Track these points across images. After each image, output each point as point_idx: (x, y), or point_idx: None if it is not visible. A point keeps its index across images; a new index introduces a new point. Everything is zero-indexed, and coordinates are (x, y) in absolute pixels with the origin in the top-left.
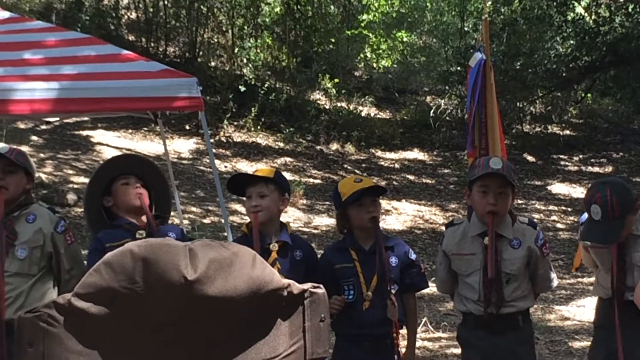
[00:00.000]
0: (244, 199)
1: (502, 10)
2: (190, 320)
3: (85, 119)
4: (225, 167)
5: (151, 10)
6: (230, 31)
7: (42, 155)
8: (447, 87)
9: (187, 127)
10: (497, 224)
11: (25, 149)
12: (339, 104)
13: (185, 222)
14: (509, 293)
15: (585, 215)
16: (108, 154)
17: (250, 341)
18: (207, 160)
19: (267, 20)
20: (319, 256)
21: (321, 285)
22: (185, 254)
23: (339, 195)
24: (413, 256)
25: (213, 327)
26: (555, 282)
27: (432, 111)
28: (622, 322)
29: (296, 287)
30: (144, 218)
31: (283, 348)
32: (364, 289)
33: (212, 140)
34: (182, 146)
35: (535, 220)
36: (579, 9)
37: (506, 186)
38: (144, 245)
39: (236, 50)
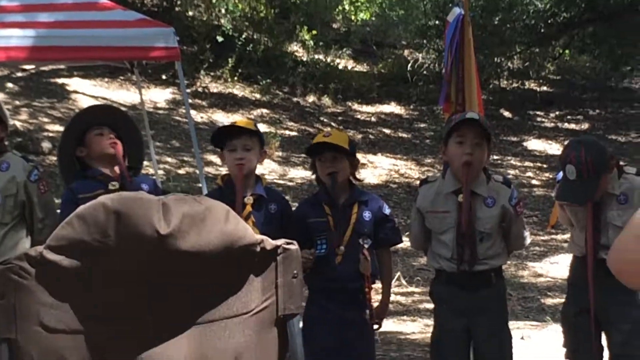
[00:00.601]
0: (218, 150)
1: None
2: (162, 274)
3: (62, 67)
4: (201, 117)
5: None
6: None
7: (17, 102)
8: (425, 41)
9: (164, 77)
10: (472, 178)
11: (0, 96)
12: (316, 56)
13: (160, 172)
14: (483, 251)
15: (562, 174)
16: (84, 102)
17: (222, 296)
18: (183, 111)
19: None
20: (293, 209)
21: (294, 242)
22: (159, 208)
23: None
24: (387, 211)
25: (185, 282)
26: (528, 241)
27: (409, 65)
28: (595, 280)
29: (269, 243)
30: (117, 169)
31: (255, 304)
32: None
33: (188, 91)
34: (158, 96)
35: (510, 176)
36: None
37: (482, 138)
38: (117, 198)
39: (214, 0)
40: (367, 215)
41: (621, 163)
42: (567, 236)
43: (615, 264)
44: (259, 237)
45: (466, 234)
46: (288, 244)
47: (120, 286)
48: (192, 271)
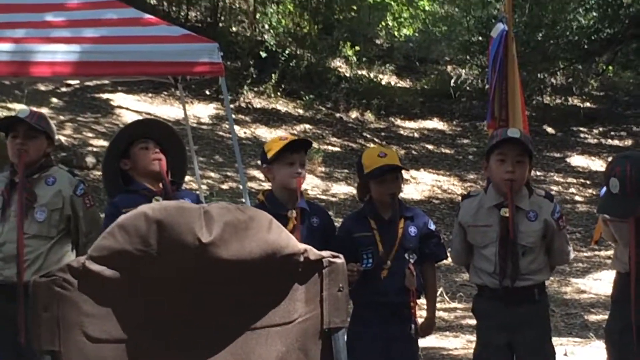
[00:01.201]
0: (260, 164)
1: None
2: (204, 283)
3: (106, 82)
4: (245, 133)
5: None
6: None
7: (61, 117)
8: (468, 57)
9: (207, 93)
10: (515, 193)
11: (45, 110)
12: (359, 72)
13: (204, 187)
14: (525, 265)
15: (605, 189)
16: (128, 117)
17: (264, 305)
18: (227, 126)
19: None
20: (336, 224)
21: (340, 255)
22: (200, 217)
23: (362, 166)
24: (432, 227)
25: (227, 290)
26: (571, 255)
27: (452, 81)
28: (638, 297)
29: (313, 253)
30: (160, 184)
31: (298, 314)
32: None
33: (231, 106)
34: (202, 111)
35: (553, 192)
36: None
37: (524, 155)
38: (159, 208)
39: (258, 16)
40: (412, 230)
41: None
42: (610, 252)
43: None
44: (303, 246)
45: (508, 248)
46: (334, 257)
47: (162, 295)
48: (234, 279)
